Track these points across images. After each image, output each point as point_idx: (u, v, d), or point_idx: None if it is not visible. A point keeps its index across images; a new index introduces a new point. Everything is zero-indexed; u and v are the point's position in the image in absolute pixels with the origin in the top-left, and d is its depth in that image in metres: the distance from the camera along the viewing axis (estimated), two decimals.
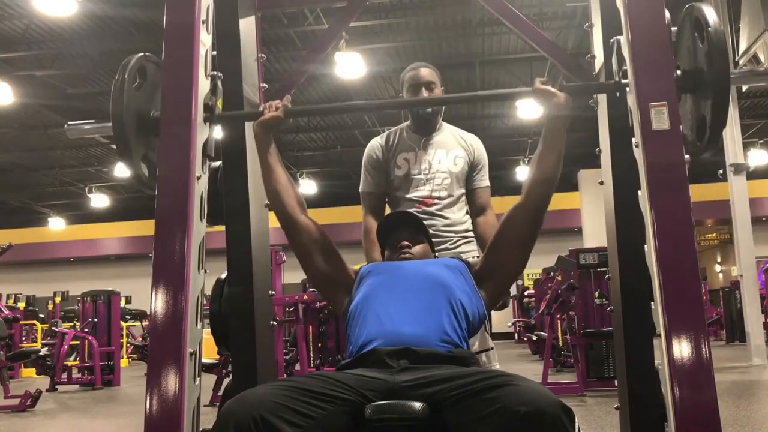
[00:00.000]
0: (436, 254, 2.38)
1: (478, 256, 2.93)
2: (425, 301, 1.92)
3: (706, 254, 21.28)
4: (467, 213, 3.02)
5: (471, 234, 2.97)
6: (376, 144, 3.00)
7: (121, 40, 10.62)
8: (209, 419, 1.70)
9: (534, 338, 10.25)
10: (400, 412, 1.55)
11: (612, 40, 2.11)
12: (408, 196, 2.90)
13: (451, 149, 2.93)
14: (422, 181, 2.89)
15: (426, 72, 2.88)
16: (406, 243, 2.20)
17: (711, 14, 1.89)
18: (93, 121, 2.41)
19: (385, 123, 15.09)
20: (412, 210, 2.81)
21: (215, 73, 2.17)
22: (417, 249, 2.22)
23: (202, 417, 1.84)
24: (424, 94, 2.84)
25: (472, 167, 2.96)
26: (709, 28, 1.86)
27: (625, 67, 1.99)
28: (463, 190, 2.96)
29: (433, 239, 2.71)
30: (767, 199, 17.28)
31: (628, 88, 1.98)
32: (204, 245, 1.99)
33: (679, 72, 1.96)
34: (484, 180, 2.98)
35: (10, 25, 10.39)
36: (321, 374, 1.67)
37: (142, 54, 2.15)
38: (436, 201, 2.89)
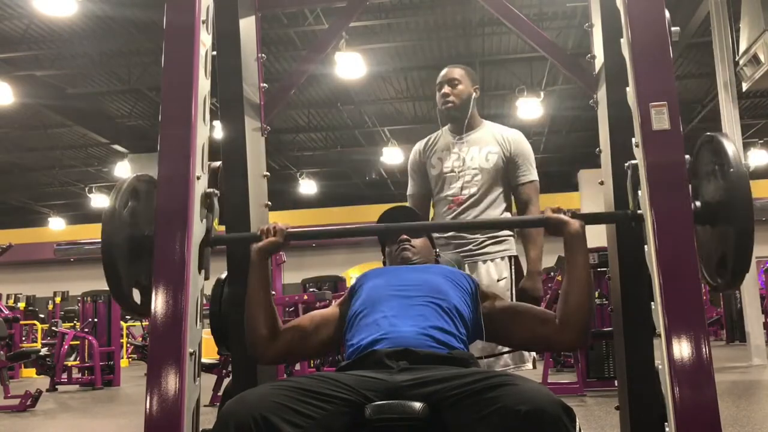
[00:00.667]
0: (438, 252, 2.37)
1: (508, 257, 2.90)
2: (422, 304, 1.92)
3: None
4: (509, 212, 2.98)
5: (505, 234, 2.90)
6: (418, 146, 3.10)
7: (121, 40, 10.62)
8: (209, 419, 1.70)
9: None
10: (400, 412, 1.55)
11: (626, 165, 1.99)
12: (442, 194, 2.94)
13: (485, 145, 2.93)
14: (454, 178, 2.91)
15: (453, 70, 2.98)
16: (405, 236, 2.20)
17: (731, 147, 1.80)
18: (87, 240, 2.30)
19: (384, 123, 15.10)
20: (444, 208, 2.87)
21: (212, 190, 2.01)
22: (417, 242, 2.21)
23: (202, 417, 1.84)
24: (446, 89, 2.94)
25: (510, 163, 2.91)
26: (732, 169, 1.76)
27: (639, 204, 1.90)
28: (501, 188, 2.92)
29: (454, 240, 2.73)
30: (767, 199, 17.26)
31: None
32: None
33: (698, 203, 1.87)
34: (525, 175, 2.92)
35: (10, 25, 10.39)
36: (321, 375, 1.67)
37: (135, 175, 2.04)
38: (466, 198, 2.88)
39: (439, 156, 2.97)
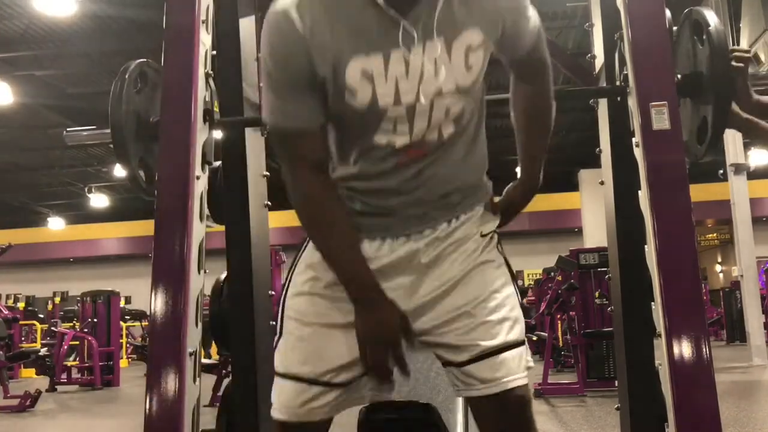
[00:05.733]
0: None
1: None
2: None
3: (706, 254, 21.28)
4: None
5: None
6: (290, 18, 1.48)
7: (121, 40, 10.61)
8: (209, 419, 1.70)
9: (534, 338, 10.24)
10: (401, 412, 1.55)
11: (616, 36, 2.10)
12: (374, 140, 1.28)
13: (461, 30, 1.38)
14: (403, 116, 1.37)
15: None
16: None
17: (711, 16, 1.89)
18: (93, 127, 2.41)
19: None
20: (381, 165, 1.49)
21: (207, 70, 2.09)
22: None
23: (202, 417, 1.84)
24: None
25: (505, 35, 1.44)
26: (710, 28, 1.86)
27: (626, 72, 1.99)
28: (481, 111, 1.57)
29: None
30: (767, 199, 17.28)
31: (628, 89, 1.97)
32: (204, 245, 1.99)
33: (679, 76, 1.96)
34: (529, 26, 1.48)
35: (10, 25, 10.39)
36: None
37: (143, 60, 2.16)
38: (434, 146, 1.59)
39: (357, 66, 1.29)
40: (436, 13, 1.27)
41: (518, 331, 1.39)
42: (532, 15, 1.43)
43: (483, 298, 1.39)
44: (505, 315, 1.39)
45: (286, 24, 1.25)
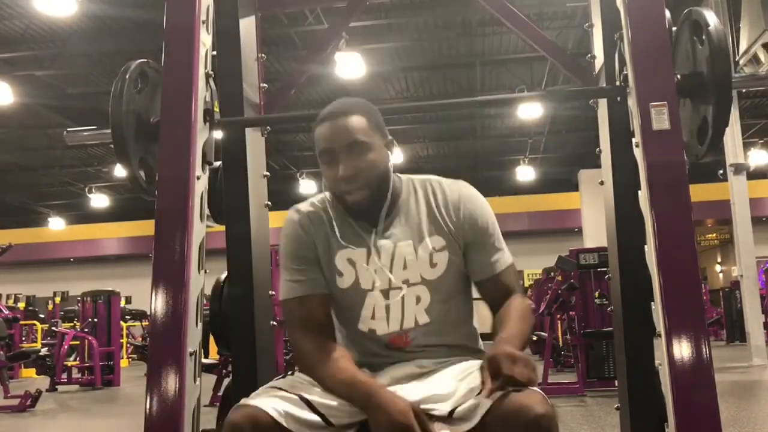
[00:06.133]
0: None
1: None
2: None
3: (706, 254, 21.28)
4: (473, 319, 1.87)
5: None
6: (298, 220, 1.80)
7: (121, 40, 10.61)
8: (209, 419, 1.70)
9: (534, 338, 10.24)
10: None
11: (616, 36, 2.10)
12: (363, 327, 1.76)
13: (422, 238, 1.67)
14: (381, 303, 1.71)
15: (347, 124, 1.62)
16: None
17: (711, 16, 1.89)
18: (93, 127, 2.42)
19: (384, 123, 15.07)
20: (374, 348, 1.74)
21: (207, 70, 2.11)
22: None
23: (202, 417, 1.84)
24: (344, 170, 1.59)
25: (468, 247, 1.69)
26: (710, 28, 1.86)
27: (625, 72, 1.99)
28: (461, 294, 1.75)
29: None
30: (767, 199, 17.28)
31: (628, 90, 1.98)
32: (204, 245, 1.99)
33: (678, 77, 1.96)
34: (497, 261, 1.69)
35: (10, 25, 10.39)
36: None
37: (144, 60, 2.16)
38: (413, 336, 1.76)
39: (344, 255, 1.65)
40: (401, 224, 1.66)
41: None
42: (502, 249, 1.68)
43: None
44: None
45: (293, 227, 1.68)
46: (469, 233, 1.66)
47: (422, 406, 1.45)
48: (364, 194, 1.60)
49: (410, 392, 1.49)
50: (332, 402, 1.48)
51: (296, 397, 1.48)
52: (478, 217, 1.67)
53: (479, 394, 1.41)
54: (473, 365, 1.56)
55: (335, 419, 1.47)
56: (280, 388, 1.51)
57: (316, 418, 1.46)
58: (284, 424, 1.41)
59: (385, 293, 1.63)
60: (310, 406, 1.47)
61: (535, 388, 1.40)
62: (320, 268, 1.64)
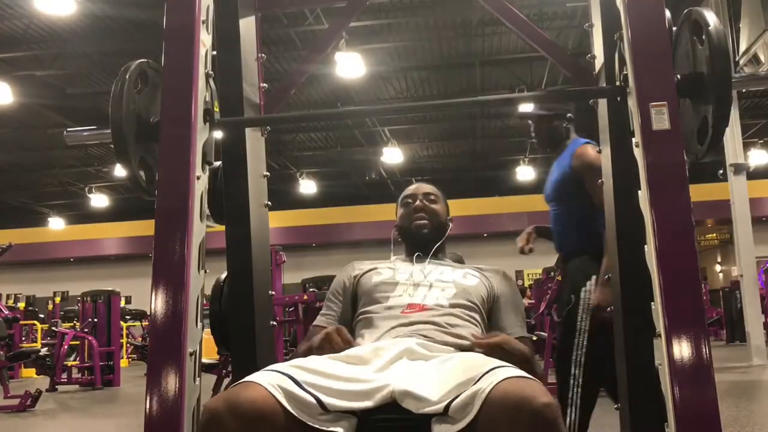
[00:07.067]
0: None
1: None
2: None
3: (706, 254, 21.28)
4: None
5: None
6: (351, 267, 2.39)
7: (121, 40, 10.62)
8: None
9: (534, 338, 10.26)
10: (401, 412, 1.55)
11: (615, 36, 2.10)
12: (386, 303, 2.18)
13: (460, 268, 2.24)
14: (411, 287, 2.17)
15: (425, 185, 2.33)
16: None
17: (711, 16, 1.89)
18: (93, 127, 2.41)
19: (384, 123, 15.09)
20: (391, 323, 2.01)
21: (207, 70, 2.10)
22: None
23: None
24: (419, 203, 2.25)
25: (494, 303, 2.10)
26: (710, 28, 1.86)
27: (625, 72, 1.99)
28: (479, 315, 2.05)
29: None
30: (767, 199, 17.28)
31: (628, 90, 1.97)
32: (204, 245, 1.99)
33: (678, 77, 1.96)
34: (515, 329, 2.04)
35: (10, 25, 10.40)
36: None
37: (144, 60, 2.16)
38: (431, 306, 2.14)
39: (387, 265, 2.18)
40: (447, 263, 2.16)
41: None
42: (524, 327, 2.04)
43: None
44: None
45: (341, 271, 2.19)
46: (502, 293, 2.07)
47: (419, 411, 1.48)
48: (428, 224, 2.18)
49: (400, 375, 1.58)
50: (327, 383, 1.55)
51: (289, 378, 1.56)
52: (512, 288, 2.12)
53: (476, 383, 1.42)
54: (474, 356, 1.63)
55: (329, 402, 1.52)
56: (276, 370, 1.61)
57: (311, 399, 1.51)
58: (284, 403, 1.49)
59: (416, 286, 2.01)
60: (302, 388, 1.53)
61: (533, 377, 1.44)
62: (346, 300, 2.11)
